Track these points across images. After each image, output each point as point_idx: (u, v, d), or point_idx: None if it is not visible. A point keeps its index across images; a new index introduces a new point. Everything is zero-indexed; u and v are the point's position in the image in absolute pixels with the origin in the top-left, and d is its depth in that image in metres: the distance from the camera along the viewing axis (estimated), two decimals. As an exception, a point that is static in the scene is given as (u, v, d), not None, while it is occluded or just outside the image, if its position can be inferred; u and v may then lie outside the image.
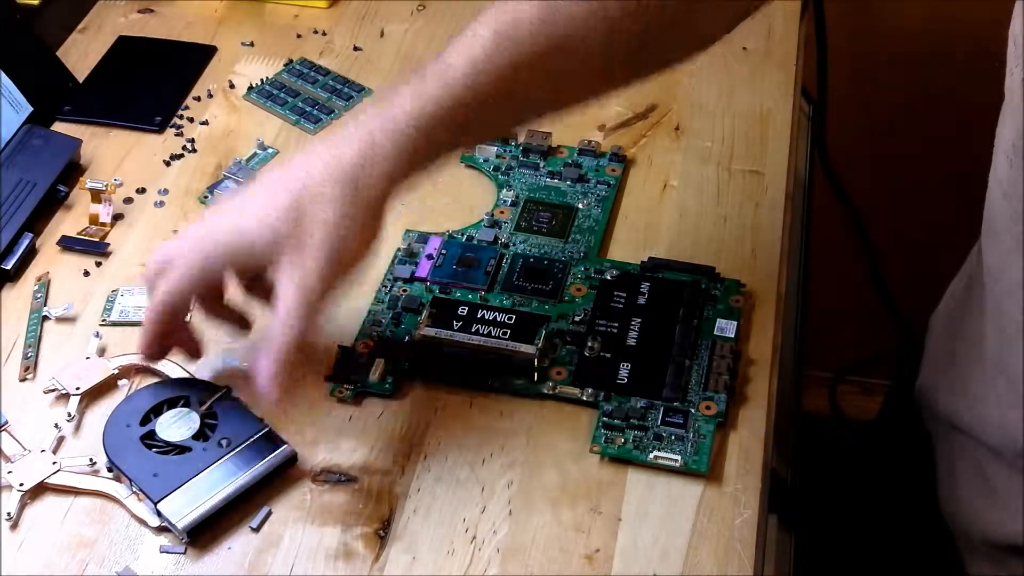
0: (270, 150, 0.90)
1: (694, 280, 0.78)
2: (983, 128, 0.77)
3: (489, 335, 0.74)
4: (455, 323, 0.75)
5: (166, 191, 0.87)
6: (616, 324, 0.76)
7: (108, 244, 0.83)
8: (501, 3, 0.68)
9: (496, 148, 0.88)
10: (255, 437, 0.69)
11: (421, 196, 0.85)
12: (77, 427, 0.72)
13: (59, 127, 0.91)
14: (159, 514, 0.66)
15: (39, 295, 0.79)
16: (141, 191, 0.87)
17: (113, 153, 0.90)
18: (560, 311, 0.77)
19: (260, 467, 0.68)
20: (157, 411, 0.71)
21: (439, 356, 0.74)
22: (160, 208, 0.86)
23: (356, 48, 0.99)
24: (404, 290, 0.79)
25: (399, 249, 0.81)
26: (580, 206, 0.84)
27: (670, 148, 0.90)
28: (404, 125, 0.66)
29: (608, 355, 0.74)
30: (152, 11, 1.03)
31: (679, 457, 0.69)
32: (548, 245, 0.82)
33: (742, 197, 0.86)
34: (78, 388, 0.73)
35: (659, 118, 0.92)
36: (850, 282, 1.38)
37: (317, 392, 0.74)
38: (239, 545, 0.67)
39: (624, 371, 0.73)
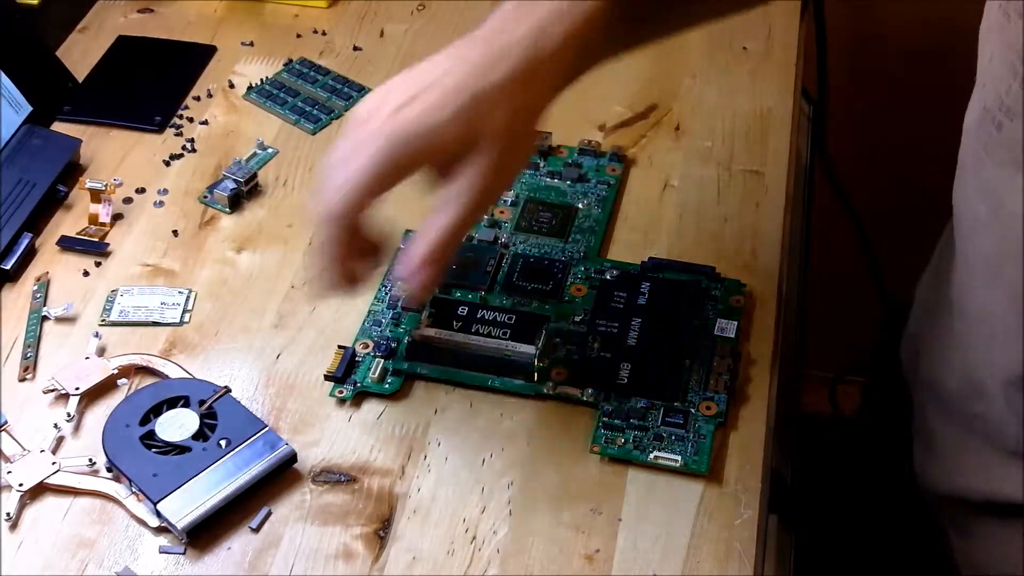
0: (270, 150, 0.90)
1: (694, 280, 0.78)
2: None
3: (489, 335, 0.74)
4: (455, 323, 0.75)
5: (166, 191, 0.87)
6: (616, 324, 0.75)
7: (108, 244, 0.83)
8: None
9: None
10: (255, 437, 0.69)
11: (421, 196, 0.85)
12: (76, 427, 0.72)
13: (59, 127, 0.91)
14: (158, 514, 0.66)
15: (39, 295, 0.79)
16: (141, 191, 0.87)
17: (113, 153, 0.90)
18: (560, 311, 0.77)
19: (260, 467, 0.68)
20: (157, 411, 0.71)
21: (439, 356, 0.74)
22: (160, 208, 0.86)
23: (356, 48, 0.99)
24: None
25: (399, 249, 0.81)
26: (580, 206, 0.84)
27: (670, 148, 0.90)
28: (569, 18, 0.65)
29: (608, 355, 0.74)
30: (152, 11, 1.03)
31: (679, 457, 0.69)
32: (548, 245, 0.82)
33: (742, 197, 0.86)
34: (77, 388, 0.73)
35: (659, 118, 0.92)
36: (850, 282, 1.38)
37: (317, 392, 0.74)
38: (239, 545, 0.67)
39: (624, 371, 0.73)
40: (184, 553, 0.66)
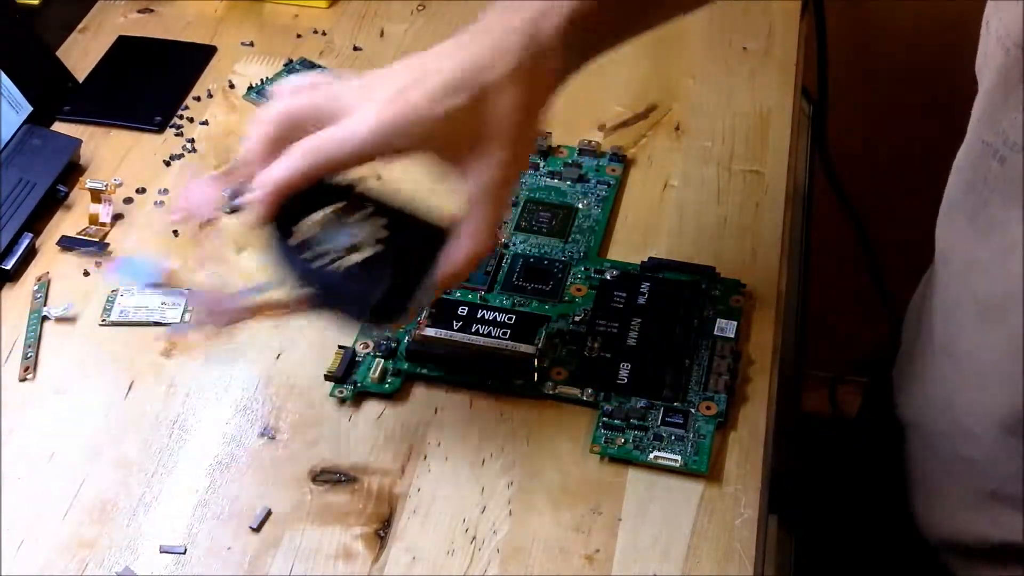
0: (270, 150, 0.90)
1: (694, 280, 0.78)
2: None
3: (489, 335, 0.74)
4: (455, 323, 0.75)
5: (166, 191, 0.87)
6: (616, 324, 0.75)
7: (108, 244, 0.83)
8: None
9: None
10: (419, 226, 0.67)
11: (421, 196, 0.85)
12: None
13: (59, 127, 0.91)
14: (369, 322, 0.66)
15: (39, 295, 0.79)
16: (141, 191, 0.87)
17: (113, 153, 0.90)
18: (560, 311, 0.77)
19: (440, 253, 0.66)
20: (296, 217, 0.66)
21: (439, 356, 0.74)
22: (160, 208, 0.86)
23: (356, 48, 0.99)
24: (404, 290, 0.79)
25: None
26: (580, 206, 0.84)
27: (670, 148, 0.90)
28: (558, 14, 0.65)
29: (608, 355, 0.74)
30: (152, 11, 1.03)
31: (679, 457, 0.69)
32: (548, 245, 0.82)
33: (742, 197, 0.86)
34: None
35: (659, 118, 0.92)
36: (850, 282, 1.38)
37: (317, 392, 0.74)
38: (239, 545, 0.67)
39: (624, 371, 0.73)
40: (184, 552, 0.66)
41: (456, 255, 0.65)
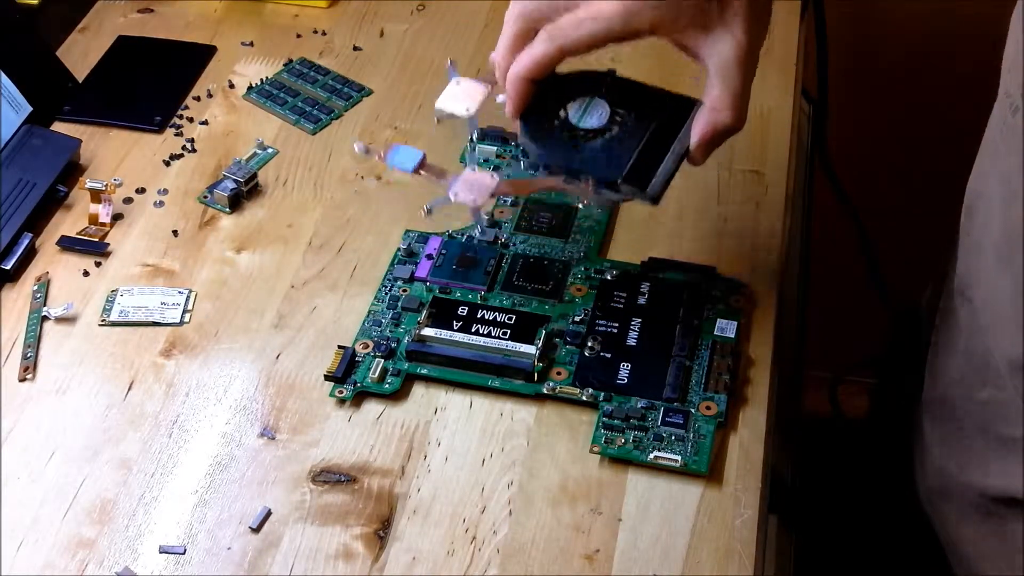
0: (270, 150, 0.90)
1: (694, 280, 0.78)
2: (984, 128, 0.77)
3: (489, 335, 0.74)
4: (455, 323, 0.75)
5: (166, 191, 0.87)
6: (616, 324, 0.75)
7: (108, 244, 0.83)
8: None
9: (496, 148, 0.88)
10: (665, 103, 0.72)
11: (421, 196, 0.85)
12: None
13: (59, 127, 0.91)
14: (622, 190, 0.69)
15: (38, 295, 0.79)
16: (141, 191, 0.87)
17: (113, 153, 0.90)
18: (560, 311, 0.77)
19: (687, 125, 0.71)
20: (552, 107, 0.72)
21: (439, 356, 0.74)
22: (160, 208, 0.86)
23: (356, 48, 0.99)
24: (404, 290, 0.79)
25: (399, 249, 0.81)
26: (580, 206, 0.84)
27: (670, 148, 0.89)
28: None
29: (608, 355, 0.74)
30: (152, 11, 1.03)
31: (679, 457, 0.69)
32: (548, 245, 0.82)
33: (742, 197, 0.86)
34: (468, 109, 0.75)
35: (659, 118, 0.91)
36: (850, 282, 1.38)
37: (317, 392, 0.74)
38: (239, 545, 0.67)
39: (624, 371, 0.73)
40: (184, 553, 0.66)
41: (701, 126, 0.69)
